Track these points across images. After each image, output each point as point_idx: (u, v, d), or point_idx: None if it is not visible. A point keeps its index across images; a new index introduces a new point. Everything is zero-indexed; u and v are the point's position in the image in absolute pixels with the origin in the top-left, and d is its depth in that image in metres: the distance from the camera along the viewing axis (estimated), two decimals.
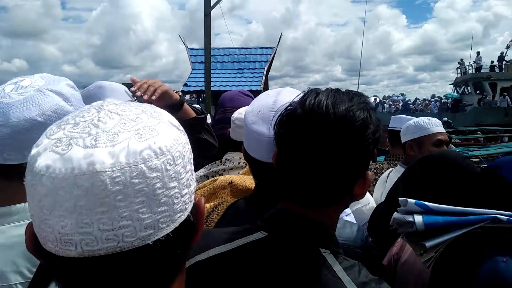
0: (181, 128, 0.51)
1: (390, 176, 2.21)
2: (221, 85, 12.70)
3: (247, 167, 1.43)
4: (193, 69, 13.88)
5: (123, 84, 1.72)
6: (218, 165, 1.58)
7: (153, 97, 1.29)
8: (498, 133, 14.87)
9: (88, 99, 1.26)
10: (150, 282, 0.46)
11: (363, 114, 0.70)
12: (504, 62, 24.29)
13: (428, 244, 0.84)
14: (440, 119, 2.29)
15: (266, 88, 13.43)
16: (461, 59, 26.95)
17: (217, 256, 0.75)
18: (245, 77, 13.65)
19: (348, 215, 1.22)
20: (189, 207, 0.49)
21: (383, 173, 2.36)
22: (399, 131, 2.31)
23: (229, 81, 13.37)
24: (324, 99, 0.71)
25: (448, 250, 0.86)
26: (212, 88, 10.41)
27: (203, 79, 10.90)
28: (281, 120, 0.75)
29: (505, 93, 21.56)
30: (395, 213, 0.93)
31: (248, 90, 2.53)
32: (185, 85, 13.27)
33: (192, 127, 1.44)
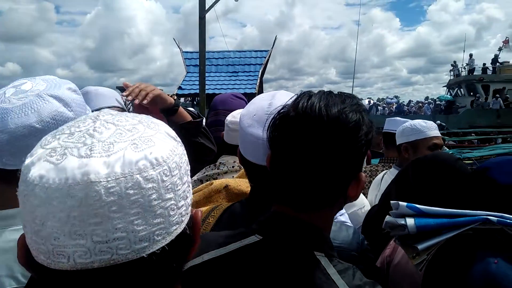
0: (178, 139, 0.50)
1: (384, 178, 2.22)
2: (216, 88, 12.70)
3: (242, 170, 1.43)
4: (187, 72, 13.87)
5: (117, 87, 1.71)
6: (212, 169, 1.58)
7: (145, 101, 1.28)
8: (492, 135, 14.98)
9: None
10: None
11: (355, 116, 0.71)
12: (497, 64, 24.50)
13: (420, 246, 0.85)
14: (433, 121, 2.30)
15: (260, 91, 13.44)
16: (454, 62, 27.20)
17: (211, 260, 0.75)
18: (239, 80, 13.66)
19: (342, 214, 1.23)
20: (186, 219, 0.48)
21: (377, 175, 2.37)
22: (394, 133, 2.32)
23: (224, 84, 13.37)
24: (316, 102, 0.71)
25: (440, 252, 0.86)
26: (206, 91, 10.40)
27: (197, 82, 10.90)
28: (274, 123, 0.75)
29: (497, 95, 21.73)
30: (387, 216, 0.93)
31: (243, 93, 2.53)
32: (180, 88, 13.25)
33: (188, 131, 1.43)
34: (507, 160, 1.00)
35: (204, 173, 1.57)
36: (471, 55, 25.45)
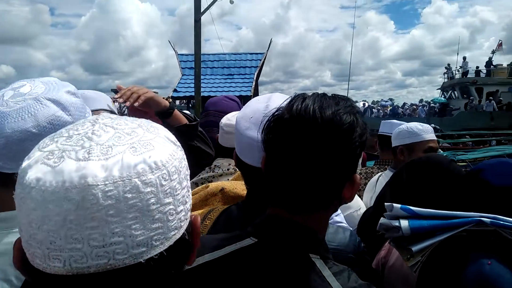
0: (178, 143, 0.50)
1: (380, 180, 2.22)
2: (211, 91, 12.69)
3: (238, 173, 1.43)
4: (183, 75, 13.86)
5: (112, 90, 1.70)
6: (207, 172, 1.58)
7: (136, 104, 1.27)
8: (486, 137, 15.10)
9: None
10: None
11: (349, 118, 0.71)
12: (491, 67, 24.71)
13: (415, 248, 0.85)
14: (427, 123, 2.31)
15: (256, 93, 13.46)
16: (448, 64, 27.36)
17: (206, 264, 0.74)
18: (235, 82, 13.67)
19: (338, 215, 1.23)
20: (185, 225, 0.47)
21: (373, 177, 2.37)
22: (389, 136, 2.32)
23: (219, 86, 13.37)
24: (311, 104, 0.72)
25: (434, 254, 0.87)
26: (202, 94, 10.40)
27: (193, 85, 10.89)
28: (269, 125, 0.75)
29: (491, 98, 21.93)
30: (382, 218, 0.94)
31: (238, 96, 2.54)
32: (175, 90, 13.23)
33: (184, 134, 1.42)
34: (500, 162, 1.01)
35: (199, 176, 1.56)
36: (464, 58, 25.67)
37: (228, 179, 1.46)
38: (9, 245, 0.78)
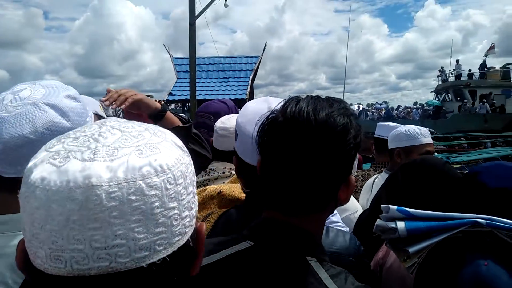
0: (185, 149, 0.49)
1: (376, 182, 2.23)
2: (207, 94, 12.71)
3: (234, 176, 1.43)
4: (178, 78, 13.86)
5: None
6: (202, 176, 1.57)
7: (123, 106, 1.27)
8: (481, 139, 15.22)
9: None
10: None
11: (343, 120, 0.71)
12: (485, 69, 24.93)
13: (411, 250, 0.86)
14: (421, 125, 2.32)
15: (251, 96, 13.48)
16: (442, 67, 27.61)
17: (202, 268, 0.74)
18: (230, 85, 13.70)
19: (334, 215, 1.23)
20: (189, 231, 0.47)
21: (369, 179, 2.37)
22: (386, 139, 2.32)
23: (214, 90, 13.39)
24: (304, 106, 0.72)
25: (430, 255, 0.87)
26: (197, 97, 10.39)
27: (188, 88, 10.88)
28: (263, 128, 0.75)
29: (484, 100, 22.12)
30: (378, 220, 0.94)
31: (233, 99, 2.56)
32: (170, 94, 13.22)
33: (177, 136, 1.41)
34: (496, 165, 1.03)
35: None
36: (457, 61, 25.92)
37: (223, 182, 1.46)
38: (6, 248, 0.78)
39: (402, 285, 1.03)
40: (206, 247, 0.77)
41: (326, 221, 0.83)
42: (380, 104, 30.49)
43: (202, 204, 1.21)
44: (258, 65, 14.67)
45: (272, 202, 0.76)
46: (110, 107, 1.26)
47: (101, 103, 1.34)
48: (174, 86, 13.56)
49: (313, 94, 0.78)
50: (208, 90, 13.31)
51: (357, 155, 1.60)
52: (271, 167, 0.74)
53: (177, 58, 14.60)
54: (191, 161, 0.49)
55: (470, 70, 25.36)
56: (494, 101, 22.58)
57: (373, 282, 0.80)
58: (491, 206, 0.91)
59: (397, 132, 2.21)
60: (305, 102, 0.73)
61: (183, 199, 0.45)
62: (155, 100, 1.46)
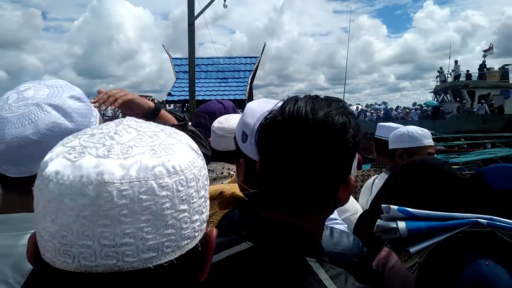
0: (200, 153, 0.49)
1: (375, 183, 2.22)
2: (206, 94, 12.70)
3: (234, 176, 1.42)
4: (177, 79, 13.84)
5: None
6: None
7: (112, 107, 1.26)
8: (481, 140, 15.24)
9: None
10: None
11: (342, 119, 0.71)
12: (485, 70, 24.97)
13: (413, 249, 0.85)
14: (420, 126, 2.31)
15: (250, 97, 13.48)
16: (441, 68, 27.63)
17: None
18: (229, 86, 13.69)
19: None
20: (199, 236, 0.46)
21: (369, 180, 2.37)
22: (386, 140, 2.31)
23: (214, 90, 13.38)
24: (303, 106, 0.72)
25: (431, 255, 0.87)
26: (196, 98, 10.40)
27: (187, 89, 10.89)
28: (262, 128, 0.75)
29: (483, 101, 22.15)
30: (379, 220, 0.94)
31: (233, 100, 2.56)
32: (169, 94, 13.21)
33: None
34: (500, 166, 1.04)
35: None
36: (456, 62, 25.95)
37: (222, 183, 1.45)
38: (8, 248, 0.78)
39: (404, 285, 1.02)
40: None
41: (334, 226, 0.82)
42: (379, 105, 30.50)
43: None
44: (257, 66, 14.67)
45: (271, 202, 0.76)
46: (99, 108, 1.25)
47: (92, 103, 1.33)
48: (173, 86, 13.55)
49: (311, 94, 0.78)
50: (207, 90, 13.31)
51: (357, 155, 1.60)
52: (270, 167, 0.74)
53: (176, 58, 14.59)
54: (205, 165, 0.49)
55: (468, 71, 25.40)
56: (492, 101, 22.61)
57: (375, 283, 0.79)
58: (495, 207, 0.91)
59: (399, 133, 2.20)
60: (304, 101, 0.73)
61: (194, 202, 0.45)
62: (150, 100, 1.45)
